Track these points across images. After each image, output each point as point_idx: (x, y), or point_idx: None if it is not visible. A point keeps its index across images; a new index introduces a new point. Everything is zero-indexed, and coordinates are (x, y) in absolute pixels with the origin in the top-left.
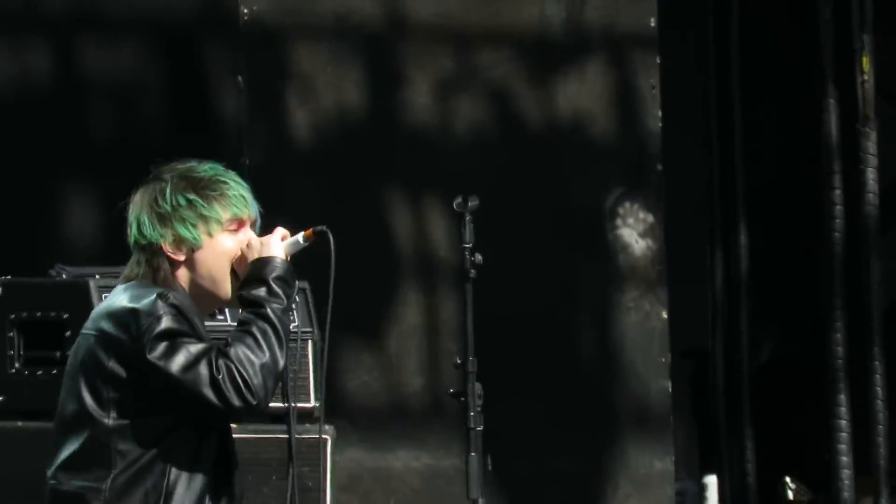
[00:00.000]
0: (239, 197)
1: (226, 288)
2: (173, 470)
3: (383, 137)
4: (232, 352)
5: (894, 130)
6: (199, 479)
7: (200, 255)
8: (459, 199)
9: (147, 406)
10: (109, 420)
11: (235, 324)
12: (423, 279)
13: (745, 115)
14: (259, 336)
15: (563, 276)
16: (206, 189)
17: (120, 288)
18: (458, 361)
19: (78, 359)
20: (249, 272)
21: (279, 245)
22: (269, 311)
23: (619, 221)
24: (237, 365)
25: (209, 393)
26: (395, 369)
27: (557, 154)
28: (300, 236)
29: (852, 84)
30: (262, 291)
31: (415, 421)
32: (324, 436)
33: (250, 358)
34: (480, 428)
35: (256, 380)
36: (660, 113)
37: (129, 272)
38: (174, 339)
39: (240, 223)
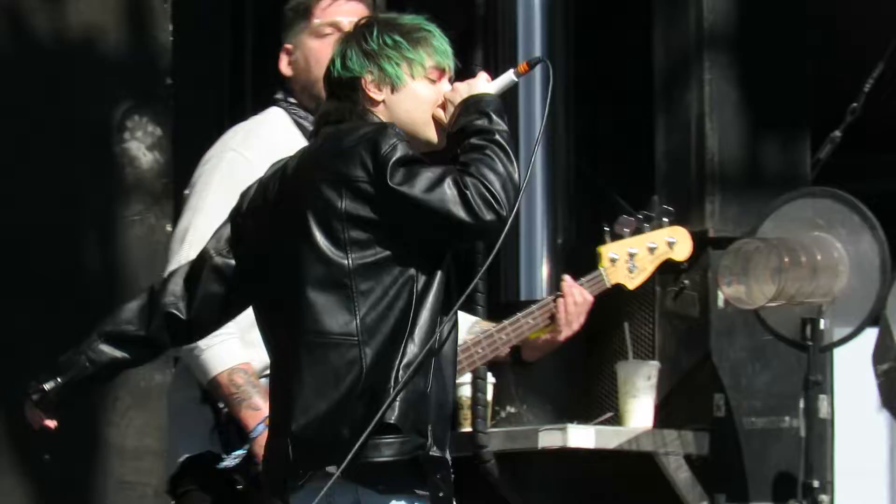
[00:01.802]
0: (442, 46)
1: (429, 132)
2: (416, 300)
3: None
4: (473, 169)
5: None
6: (435, 305)
7: (399, 97)
8: None
9: (389, 239)
10: (349, 260)
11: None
12: None
13: (257, 30)
14: (493, 156)
15: (69, 189)
16: (412, 33)
17: (328, 129)
18: None
19: (298, 210)
20: (463, 109)
21: (487, 84)
22: (497, 135)
23: (126, 135)
24: (482, 179)
25: (458, 210)
26: None
27: (68, 68)
28: (511, 72)
29: None
30: (483, 121)
31: None
32: None
33: (492, 174)
34: None
35: (503, 193)
36: (171, 27)
37: (326, 108)
38: (412, 164)
39: (440, 73)
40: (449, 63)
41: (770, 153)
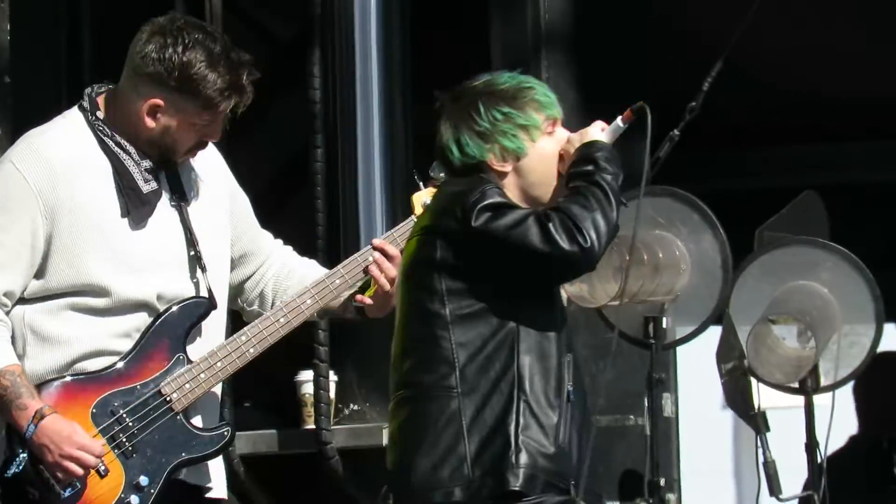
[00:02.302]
0: (546, 97)
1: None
2: (523, 355)
3: None
4: (562, 204)
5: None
6: (552, 367)
7: (527, 163)
8: None
9: (481, 284)
10: (447, 311)
11: None
12: None
13: (94, 29)
14: (588, 194)
15: None
16: (515, 98)
17: None
18: None
19: (411, 269)
20: (575, 159)
21: (599, 132)
22: (598, 177)
23: None
24: (566, 213)
25: (538, 241)
26: None
27: None
28: (618, 120)
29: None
30: (589, 167)
31: None
32: None
33: (580, 208)
34: None
35: (587, 224)
36: (8, 26)
37: (457, 188)
38: (499, 208)
39: (554, 122)
40: (558, 110)
41: None
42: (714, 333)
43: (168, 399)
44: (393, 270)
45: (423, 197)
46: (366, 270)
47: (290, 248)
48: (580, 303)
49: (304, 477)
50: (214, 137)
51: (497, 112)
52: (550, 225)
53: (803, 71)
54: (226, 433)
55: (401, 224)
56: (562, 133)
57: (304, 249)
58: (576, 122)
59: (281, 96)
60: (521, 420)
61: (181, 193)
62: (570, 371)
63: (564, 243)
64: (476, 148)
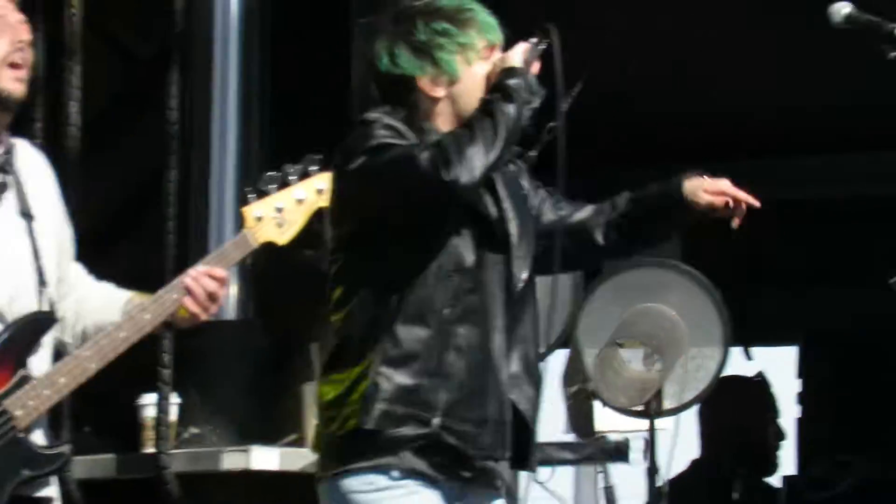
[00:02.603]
0: (488, 20)
1: None
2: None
3: None
4: (443, 136)
5: (100, 63)
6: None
7: (460, 88)
8: None
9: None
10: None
11: None
12: None
13: None
14: (475, 125)
15: None
16: (456, 17)
17: None
18: None
19: None
20: (490, 86)
21: (519, 57)
22: (494, 106)
23: None
24: (442, 143)
25: (410, 173)
26: None
27: None
28: (531, 41)
29: (60, 17)
30: (495, 94)
31: None
32: None
33: (454, 139)
34: None
35: (457, 156)
36: None
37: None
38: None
39: (492, 48)
40: (498, 36)
41: None
42: (560, 356)
43: (11, 417)
44: (212, 301)
45: (254, 210)
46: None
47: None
48: None
49: (142, 502)
50: (22, 36)
51: (436, 27)
52: (420, 157)
53: (663, 90)
54: (66, 450)
55: (233, 241)
56: (519, 51)
57: (155, 271)
58: None
59: (139, 115)
60: (381, 353)
61: (25, 206)
62: (456, 293)
63: (429, 173)
64: (408, 62)
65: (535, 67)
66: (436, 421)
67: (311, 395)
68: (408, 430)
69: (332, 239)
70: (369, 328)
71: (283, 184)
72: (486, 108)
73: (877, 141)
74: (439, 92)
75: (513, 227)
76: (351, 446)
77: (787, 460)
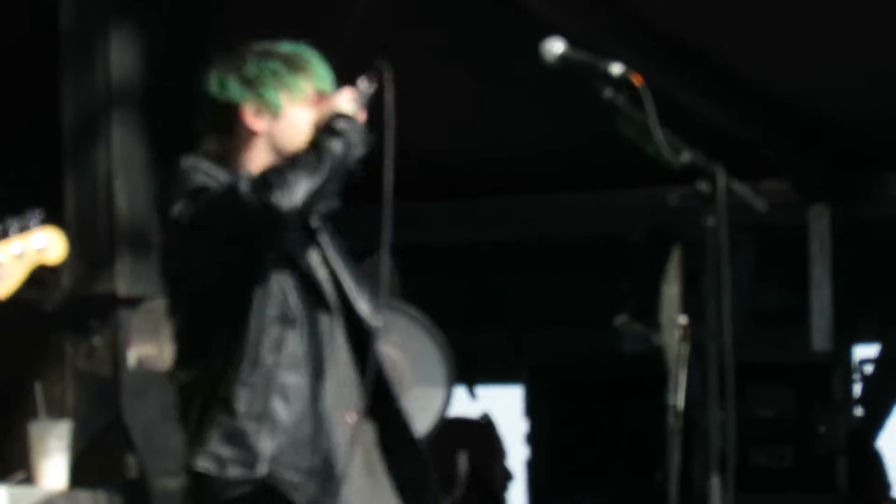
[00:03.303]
0: (321, 73)
1: None
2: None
3: None
4: (267, 169)
5: None
6: (251, 341)
7: (282, 126)
8: None
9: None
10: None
11: None
12: None
13: None
14: (300, 158)
15: None
16: (289, 61)
17: None
18: None
19: None
20: (317, 129)
21: (346, 102)
22: (319, 142)
23: None
24: (264, 172)
25: (232, 204)
26: None
27: None
28: (361, 85)
29: None
30: (322, 136)
31: None
32: None
33: (277, 172)
34: None
35: (277, 181)
36: None
37: (207, 149)
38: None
39: (321, 98)
40: (329, 87)
41: None
42: None
43: None
44: None
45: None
46: None
47: None
48: (148, 365)
49: None
50: None
51: (267, 65)
52: (240, 186)
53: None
54: None
55: None
56: (347, 97)
57: None
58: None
59: None
60: (218, 400)
61: None
62: (279, 341)
63: (251, 200)
64: (235, 91)
65: (362, 115)
66: (261, 468)
67: (38, 433)
68: (234, 473)
69: (168, 295)
70: (205, 374)
71: (2, 237)
72: (312, 144)
73: (603, 180)
74: (260, 125)
75: (346, 280)
76: (196, 487)
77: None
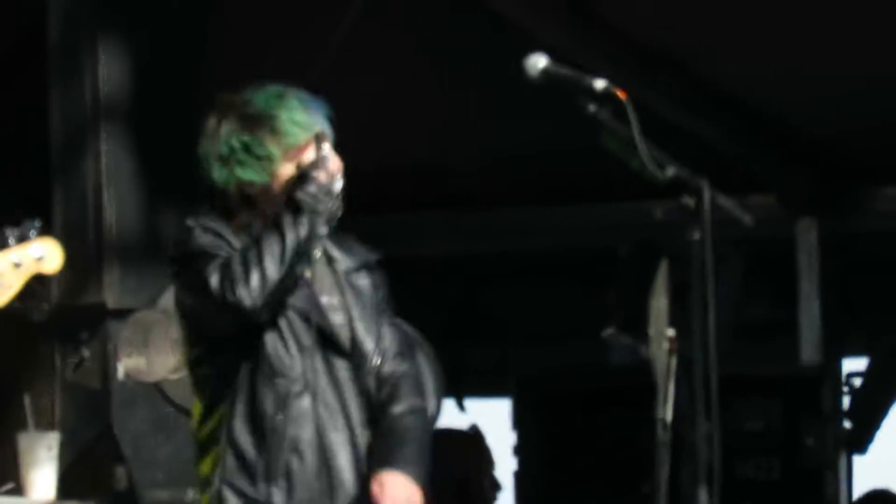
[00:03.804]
0: (291, 125)
1: None
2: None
3: None
4: (234, 254)
5: None
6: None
7: (271, 191)
8: None
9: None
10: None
11: None
12: None
13: None
14: (264, 244)
15: None
16: (256, 126)
17: None
18: None
19: None
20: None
21: (311, 158)
22: (282, 222)
23: None
24: (231, 265)
25: (203, 292)
26: None
27: None
28: (311, 150)
29: None
30: (287, 211)
31: None
32: None
33: (240, 263)
34: None
35: (241, 279)
36: None
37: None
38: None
39: (300, 149)
40: (305, 134)
41: (169, 224)
42: None
43: None
44: None
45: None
46: None
47: None
48: (137, 376)
49: None
50: None
51: (237, 140)
52: (211, 279)
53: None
54: None
55: None
56: (310, 154)
57: None
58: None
59: None
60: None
61: None
62: (282, 403)
63: (218, 296)
64: (217, 173)
65: (333, 164)
66: None
67: (27, 444)
68: None
69: (184, 355)
70: (213, 437)
71: (1, 246)
72: (276, 223)
73: (587, 194)
74: (254, 190)
75: (359, 328)
76: None
77: None
